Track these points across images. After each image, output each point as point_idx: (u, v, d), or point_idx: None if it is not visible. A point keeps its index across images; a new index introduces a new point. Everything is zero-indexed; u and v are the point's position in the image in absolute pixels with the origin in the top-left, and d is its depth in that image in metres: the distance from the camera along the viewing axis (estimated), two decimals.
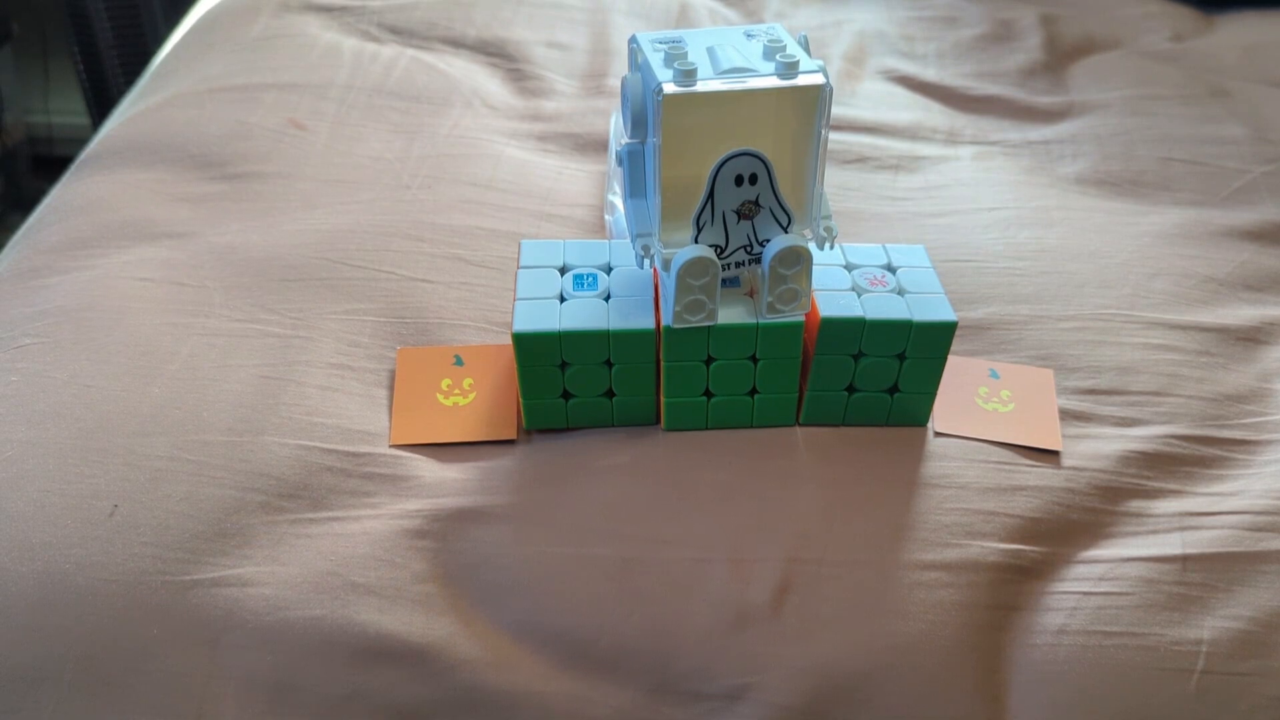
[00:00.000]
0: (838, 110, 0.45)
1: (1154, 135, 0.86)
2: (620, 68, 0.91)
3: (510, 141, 0.80)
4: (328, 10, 0.96)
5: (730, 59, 0.49)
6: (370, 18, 0.95)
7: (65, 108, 1.79)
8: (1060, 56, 0.99)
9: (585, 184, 0.76)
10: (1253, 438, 0.60)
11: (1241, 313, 0.68)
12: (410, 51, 0.90)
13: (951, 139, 0.86)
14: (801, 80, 0.48)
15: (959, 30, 1.02)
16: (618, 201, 0.70)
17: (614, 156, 0.74)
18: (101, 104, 1.60)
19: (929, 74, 0.94)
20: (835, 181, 0.77)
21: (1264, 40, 1.04)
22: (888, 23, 1.03)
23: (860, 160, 0.81)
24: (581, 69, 0.91)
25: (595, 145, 0.80)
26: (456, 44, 0.93)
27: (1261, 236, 0.76)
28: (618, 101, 0.85)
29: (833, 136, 0.51)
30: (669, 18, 1.01)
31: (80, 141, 0.83)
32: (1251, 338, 0.66)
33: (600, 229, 0.71)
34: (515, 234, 0.69)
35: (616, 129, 0.77)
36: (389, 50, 0.90)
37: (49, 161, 1.73)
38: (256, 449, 0.54)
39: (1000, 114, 0.90)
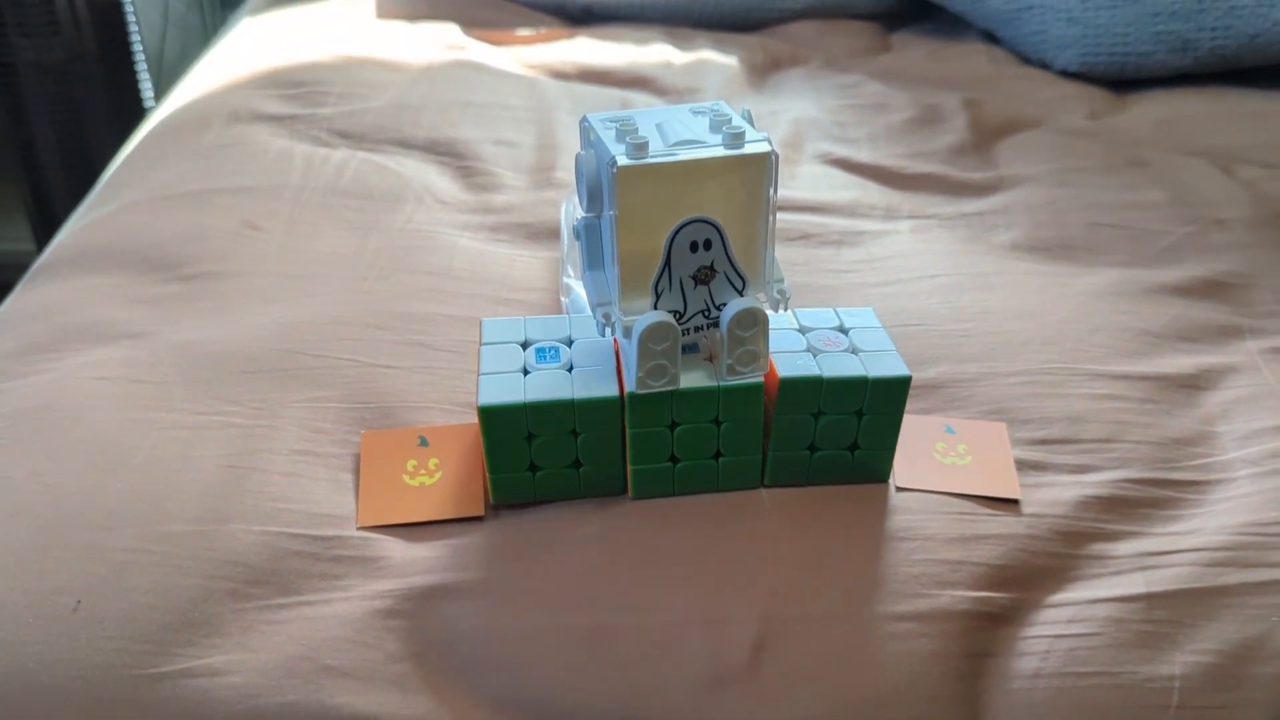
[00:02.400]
0: (779, 192, 0.48)
1: (1080, 203, 0.91)
2: (567, 161, 0.94)
3: (464, 233, 0.82)
4: (278, 119, 0.99)
5: (679, 132, 0.51)
6: (320, 124, 0.98)
7: (7, 234, 1.79)
8: (985, 136, 1.04)
9: (540, 269, 0.78)
10: (1202, 478, 0.62)
11: (1179, 362, 0.71)
12: (361, 154, 0.92)
13: (889, 214, 0.89)
14: (748, 149, 0.51)
15: (888, 115, 1.07)
16: (573, 284, 0.72)
17: (566, 242, 0.76)
18: (48, 229, 1.60)
19: (863, 156, 0.98)
20: (781, 258, 0.79)
21: (1175, 115, 1.11)
22: (820, 111, 1.08)
23: (804, 237, 0.84)
24: (529, 164, 0.94)
25: (547, 233, 0.82)
26: (406, 145, 0.95)
27: (1190, 292, 0.79)
28: (566, 191, 0.88)
29: (776, 216, 0.53)
30: None
31: (24, 268, 0.83)
32: (1191, 384, 0.69)
33: (557, 310, 0.72)
34: (474, 319, 0.70)
35: (568, 215, 0.80)
36: (340, 154, 0.92)
37: None
38: (222, 537, 0.54)
39: (934, 190, 0.94)
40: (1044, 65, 1.23)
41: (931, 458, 0.61)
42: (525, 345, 0.57)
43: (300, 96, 1.03)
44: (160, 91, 1.70)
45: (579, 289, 0.71)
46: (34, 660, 0.48)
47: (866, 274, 0.80)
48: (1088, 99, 1.15)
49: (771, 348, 0.56)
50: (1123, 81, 1.19)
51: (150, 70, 1.69)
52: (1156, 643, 0.52)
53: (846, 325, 0.60)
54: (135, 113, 1.65)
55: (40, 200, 1.58)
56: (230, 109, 1.00)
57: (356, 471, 0.59)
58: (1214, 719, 0.50)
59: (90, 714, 0.47)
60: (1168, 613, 0.53)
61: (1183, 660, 0.51)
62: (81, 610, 0.50)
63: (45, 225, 1.60)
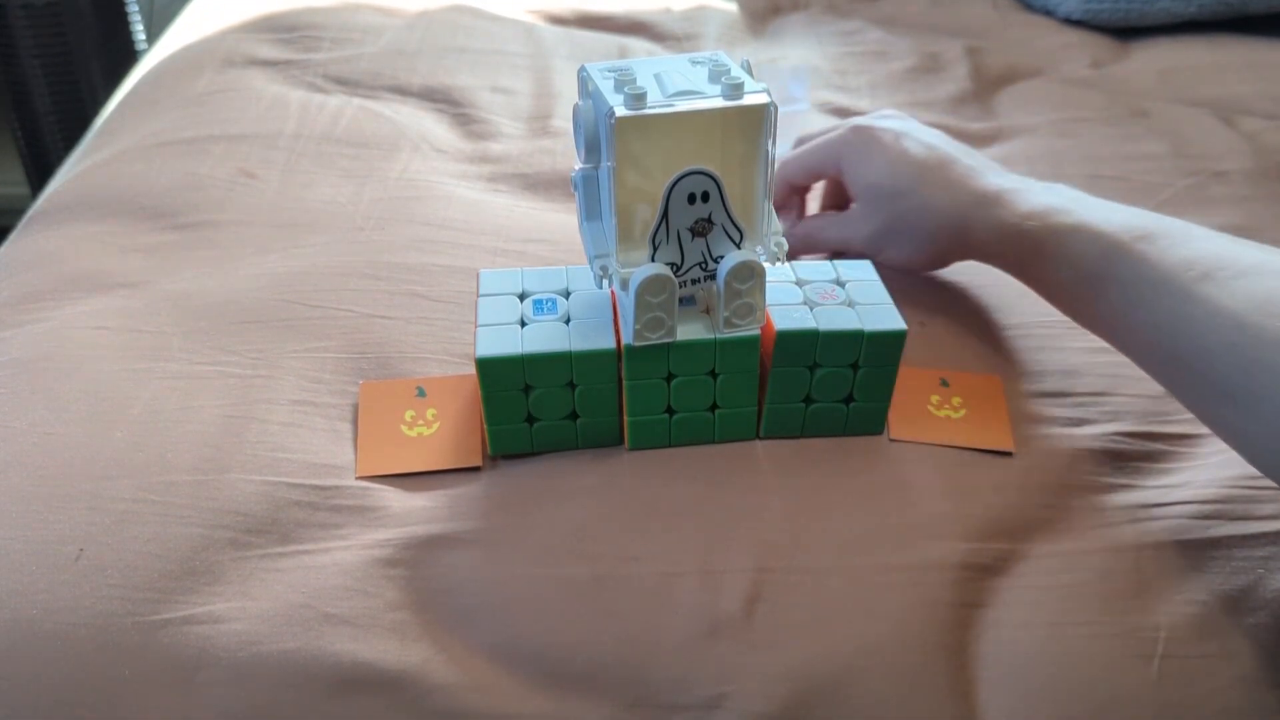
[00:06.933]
0: (778, 142, 0.48)
1: (1081, 155, 0.90)
2: (564, 110, 0.93)
3: (460, 182, 0.82)
4: (272, 64, 0.97)
5: (677, 83, 0.51)
6: (315, 70, 0.97)
7: (1, 178, 1.77)
8: (987, 85, 1.03)
9: (537, 220, 0.77)
10: (1194, 432, 0.62)
11: None
12: (357, 100, 0.92)
13: None
14: (747, 100, 0.50)
15: (889, 63, 1.06)
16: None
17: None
18: (41, 172, 1.59)
19: (863, 105, 0.97)
20: None
21: (1177, 64, 1.10)
22: (820, 58, 1.06)
23: None
24: (526, 111, 0.93)
25: (544, 183, 0.82)
26: (402, 92, 0.94)
27: None
28: (563, 139, 0.87)
29: (775, 167, 0.53)
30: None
31: (18, 212, 0.83)
32: None
33: (553, 261, 0.72)
34: (470, 270, 0.70)
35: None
36: (335, 100, 0.91)
37: None
38: (223, 487, 0.54)
39: None
40: (1047, 12, 1.22)
41: (926, 410, 0.61)
42: (523, 297, 0.58)
43: (294, 41, 1.02)
44: (152, 33, 1.68)
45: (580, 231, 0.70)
46: (37, 608, 0.48)
47: None
48: (1091, 47, 1.14)
49: (769, 300, 0.56)
50: (1127, 29, 1.18)
51: (141, 11, 1.67)
52: (1144, 593, 0.53)
53: (844, 278, 0.60)
54: (127, 55, 1.63)
55: (33, 143, 1.57)
56: (224, 53, 0.98)
57: (355, 422, 0.59)
58: (1198, 667, 0.51)
59: (93, 660, 0.48)
60: (1156, 564, 0.54)
61: (1168, 610, 0.52)
62: (83, 559, 0.50)
63: (39, 169, 1.59)
